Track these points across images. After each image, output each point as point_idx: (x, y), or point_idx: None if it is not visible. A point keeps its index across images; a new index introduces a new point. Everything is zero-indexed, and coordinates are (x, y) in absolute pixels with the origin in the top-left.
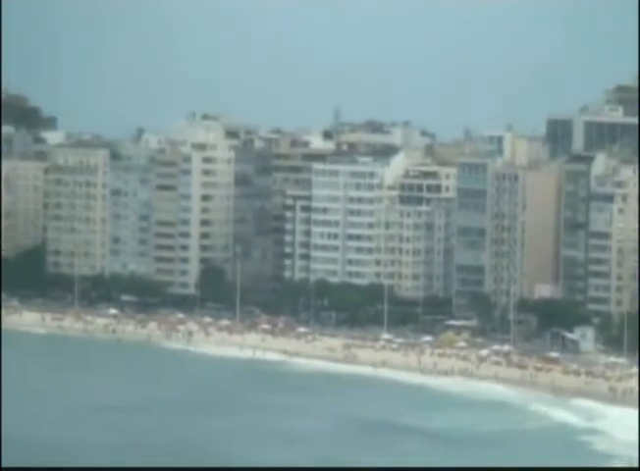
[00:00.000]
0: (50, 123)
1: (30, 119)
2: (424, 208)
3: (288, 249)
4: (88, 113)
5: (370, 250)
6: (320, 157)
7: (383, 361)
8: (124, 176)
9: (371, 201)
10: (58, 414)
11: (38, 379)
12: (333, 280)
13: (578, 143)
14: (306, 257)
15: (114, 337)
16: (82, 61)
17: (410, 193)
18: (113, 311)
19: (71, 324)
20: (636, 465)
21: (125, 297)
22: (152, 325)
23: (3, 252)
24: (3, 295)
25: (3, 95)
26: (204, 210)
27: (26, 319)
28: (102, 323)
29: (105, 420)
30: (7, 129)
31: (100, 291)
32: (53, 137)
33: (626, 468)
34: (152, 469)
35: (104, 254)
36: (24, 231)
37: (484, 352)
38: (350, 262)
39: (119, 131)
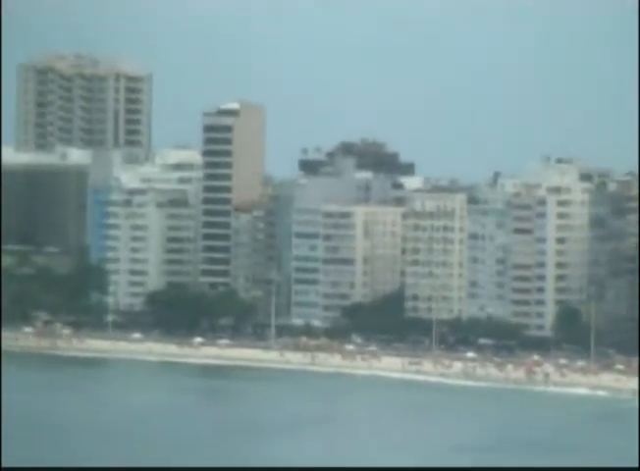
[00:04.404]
0: (408, 168)
1: (389, 164)
2: None
3: None
4: (446, 158)
5: None
6: None
7: None
8: (481, 220)
9: None
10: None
11: (394, 422)
12: None
13: None
14: None
15: (470, 380)
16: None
17: None
18: (471, 354)
19: (428, 368)
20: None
21: (482, 340)
22: (509, 367)
23: (362, 298)
24: (362, 341)
25: (362, 142)
26: (559, 252)
27: (385, 364)
28: (460, 367)
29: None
30: (365, 174)
31: (458, 335)
32: (411, 182)
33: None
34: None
35: (461, 297)
36: (382, 276)
37: None
38: None
39: (475, 176)
